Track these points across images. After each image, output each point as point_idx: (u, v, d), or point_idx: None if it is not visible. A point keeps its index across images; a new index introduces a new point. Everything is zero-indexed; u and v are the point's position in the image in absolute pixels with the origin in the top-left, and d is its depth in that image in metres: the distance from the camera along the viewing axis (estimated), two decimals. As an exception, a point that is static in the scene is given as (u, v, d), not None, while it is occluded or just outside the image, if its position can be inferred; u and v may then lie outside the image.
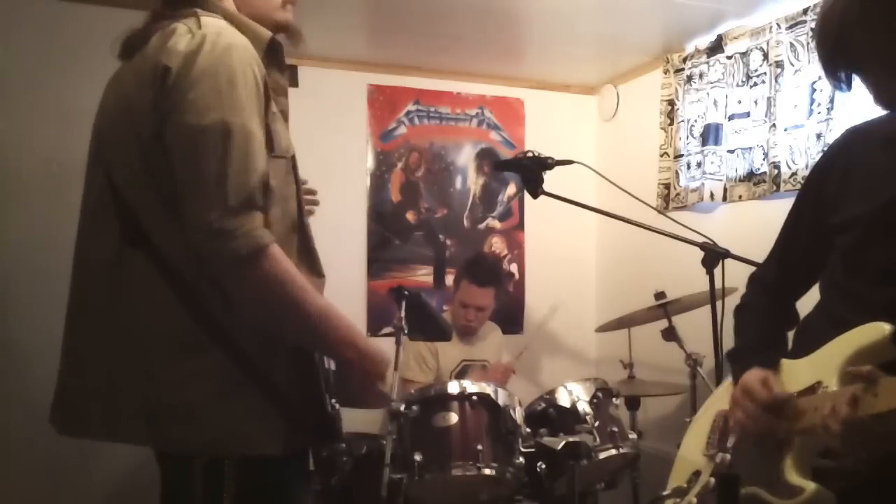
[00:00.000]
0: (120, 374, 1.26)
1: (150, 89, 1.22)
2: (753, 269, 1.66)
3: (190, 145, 1.18)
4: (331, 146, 3.40)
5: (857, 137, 1.40)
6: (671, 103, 3.27)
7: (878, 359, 1.22)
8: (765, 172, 2.76)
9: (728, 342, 1.73)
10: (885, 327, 1.21)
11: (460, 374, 3.09)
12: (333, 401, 1.36)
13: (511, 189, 3.78)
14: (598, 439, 2.33)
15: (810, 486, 1.24)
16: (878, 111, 1.32)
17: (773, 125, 2.71)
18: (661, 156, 3.31)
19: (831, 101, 2.48)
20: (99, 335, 1.29)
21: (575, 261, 3.88)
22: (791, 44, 2.68)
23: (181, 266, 1.23)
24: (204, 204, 1.17)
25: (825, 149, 1.43)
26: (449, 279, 3.58)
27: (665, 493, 1.63)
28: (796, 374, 1.37)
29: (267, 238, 1.19)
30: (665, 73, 3.31)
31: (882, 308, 1.24)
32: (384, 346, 1.51)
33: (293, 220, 1.33)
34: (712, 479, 1.51)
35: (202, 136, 1.18)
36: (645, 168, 3.39)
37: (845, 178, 1.36)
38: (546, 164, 2.17)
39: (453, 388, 2.32)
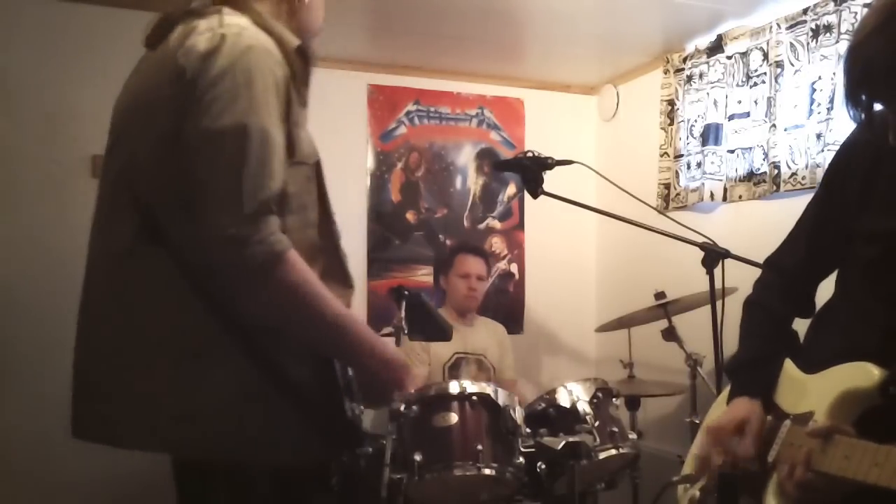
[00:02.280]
0: (131, 376, 1.20)
1: (169, 87, 1.19)
2: (753, 269, 1.65)
3: (206, 148, 1.15)
4: (331, 146, 3.35)
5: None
6: (671, 103, 3.27)
7: (865, 405, 1.23)
8: (765, 172, 2.76)
9: (728, 342, 1.73)
10: (874, 374, 1.21)
11: (454, 367, 3.09)
12: (355, 406, 1.32)
13: (511, 189, 3.78)
14: (598, 439, 2.32)
15: None
16: None
17: (773, 125, 2.71)
18: (661, 156, 3.31)
19: (831, 101, 2.48)
20: (109, 333, 1.24)
21: (575, 261, 3.88)
22: (791, 44, 2.68)
23: (200, 267, 1.18)
24: (217, 209, 1.12)
25: (847, 136, 1.40)
26: (449, 279, 3.59)
27: (675, 478, 1.64)
28: (798, 393, 1.36)
29: (283, 244, 1.15)
30: (665, 73, 3.31)
31: (883, 331, 1.24)
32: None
33: (315, 230, 1.28)
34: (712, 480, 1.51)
35: (218, 139, 1.14)
36: (645, 168, 3.39)
37: (873, 177, 1.32)
38: (546, 164, 2.17)
39: (453, 388, 2.32)
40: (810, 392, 1.33)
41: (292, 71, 1.26)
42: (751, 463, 1.33)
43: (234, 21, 1.22)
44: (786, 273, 1.51)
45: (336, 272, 1.32)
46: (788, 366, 1.43)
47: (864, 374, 1.22)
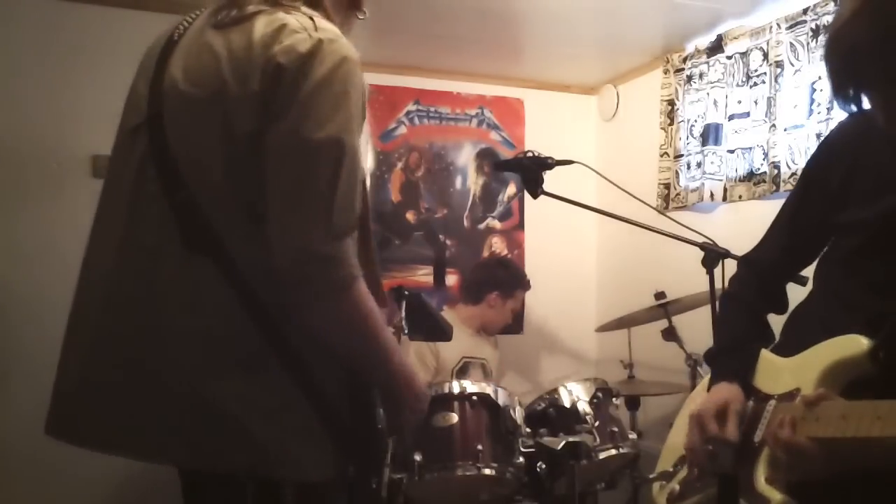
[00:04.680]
0: (153, 381, 1.13)
1: (258, 83, 1.11)
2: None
3: (301, 157, 1.10)
4: (331, 146, 3.40)
5: (862, 128, 1.34)
6: (671, 103, 3.27)
7: (854, 373, 1.22)
8: (765, 172, 2.76)
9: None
10: (863, 342, 1.20)
11: (461, 371, 3.10)
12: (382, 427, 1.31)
13: (511, 189, 3.78)
14: (598, 439, 2.33)
15: (776, 497, 1.21)
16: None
17: (773, 125, 2.71)
18: (661, 156, 3.31)
19: (831, 101, 2.48)
20: (126, 334, 1.15)
21: (575, 261, 3.88)
22: (791, 44, 2.68)
23: (248, 273, 1.13)
24: (306, 223, 1.09)
25: (825, 136, 1.41)
26: (449, 279, 3.59)
27: (652, 475, 1.64)
28: (779, 375, 1.37)
29: (359, 269, 1.14)
30: (665, 73, 3.31)
31: (867, 319, 1.23)
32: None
33: (356, 249, 1.21)
34: (696, 469, 1.51)
35: (317, 150, 1.10)
36: (645, 168, 3.39)
37: (852, 173, 1.33)
38: (546, 164, 2.16)
39: (453, 388, 2.32)
40: (793, 371, 1.33)
41: None
42: (730, 448, 1.32)
43: (327, 26, 1.18)
44: (761, 270, 1.54)
45: (375, 291, 1.25)
46: (765, 353, 1.44)
47: (852, 343, 1.22)
